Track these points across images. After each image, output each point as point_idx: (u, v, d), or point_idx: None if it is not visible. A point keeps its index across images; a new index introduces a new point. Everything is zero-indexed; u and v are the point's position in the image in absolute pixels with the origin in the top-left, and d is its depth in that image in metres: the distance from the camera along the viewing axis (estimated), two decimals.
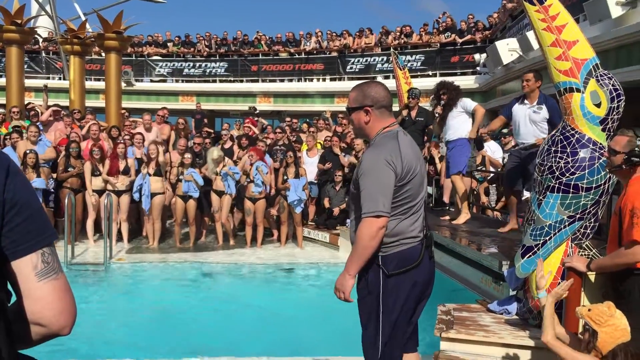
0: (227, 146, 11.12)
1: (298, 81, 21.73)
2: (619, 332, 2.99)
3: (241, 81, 22.17)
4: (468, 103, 7.49)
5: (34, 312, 1.21)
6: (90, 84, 18.34)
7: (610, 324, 2.99)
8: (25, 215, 1.20)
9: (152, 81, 22.93)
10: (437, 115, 7.87)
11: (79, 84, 14.51)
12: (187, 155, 9.77)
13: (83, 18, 21.25)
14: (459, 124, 7.46)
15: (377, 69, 20.37)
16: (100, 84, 15.91)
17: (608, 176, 4.28)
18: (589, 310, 3.10)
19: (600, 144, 4.32)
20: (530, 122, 6.38)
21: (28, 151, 9.18)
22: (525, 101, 6.44)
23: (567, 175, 4.31)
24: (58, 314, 1.22)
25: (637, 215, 3.25)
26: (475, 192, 9.81)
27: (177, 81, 22.81)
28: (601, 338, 2.99)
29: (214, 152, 9.87)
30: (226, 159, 10.04)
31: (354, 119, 3.15)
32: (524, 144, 6.48)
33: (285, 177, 9.84)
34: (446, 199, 9.58)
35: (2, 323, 1.14)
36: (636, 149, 3.35)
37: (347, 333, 6.17)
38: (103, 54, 15.43)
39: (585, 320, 3.09)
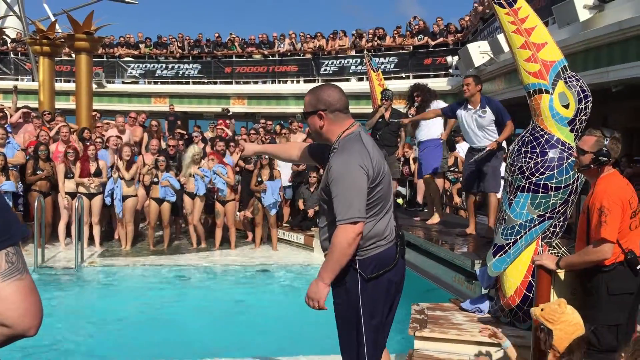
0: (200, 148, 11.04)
1: (272, 83, 21.69)
2: (572, 327, 3.05)
3: (215, 83, 22.04)
4: (441, 105, 7.58)
5: None
6: (60, 86, 18.04)
7: (563, 320, 3.06)
8: None
9: (123, 83, 22.65)
10: (410, 116, 7.95)
11: (49, 86, 14.28)
12: (162, 159, 9.67)
13: (52, 19, 20.89)
14: (431, 125, 7.56)
15: (351, 71, 20.45)
16: (71, 86, 15.70)
17: (576, 176, 4.37)
18: (542, 309, 3.16)
19: (569, 144, 4.41)
20: (478, 127, 6.45)
21: None
22: (469, 106, 6.47)
23: (537, 175, 4.40)
24: (23, 315, 1.20)
25: (604, 214, 3.32)
26: (448, 193, 9.92)
27: (149, 83, 22.57)
28: (556, 335, 3.05)
29: (194, 149, 9.82)
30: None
31: (309, 124, 3.10)
32: (476, 148, 6.55)
33: (260, 179, 9.82)
34: (420, 199, 9.67)
35: None
36: (603, 148, 3.43)
37: (322, 333, 6.21)
38: (73, 55, 15.21)
39: (539, 320, 3.16)
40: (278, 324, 6.47)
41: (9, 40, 23.03)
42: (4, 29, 15.75)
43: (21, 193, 9.42)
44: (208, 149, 10.78)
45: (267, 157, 10.03)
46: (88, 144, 10.08)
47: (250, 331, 6.20)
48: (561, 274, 3.53)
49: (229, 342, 5.77)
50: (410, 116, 7.99)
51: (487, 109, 6.33)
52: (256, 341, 5.82)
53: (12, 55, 22.77)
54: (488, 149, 6.29)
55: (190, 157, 9.67)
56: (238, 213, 10.47)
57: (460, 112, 6.60)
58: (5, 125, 10.43)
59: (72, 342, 5.71)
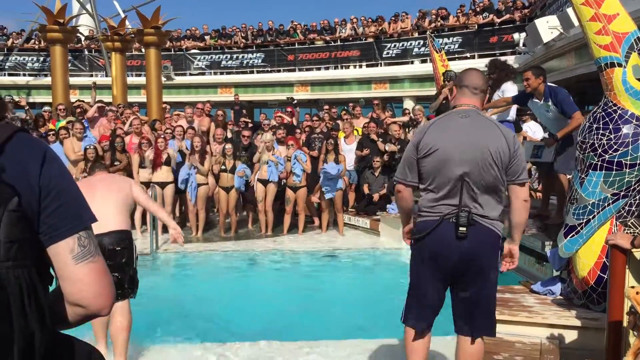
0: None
1: (335, 69, 21.70)
2: None
3: (278, 71, 22.28)
4: (512, 89, 7.26)
5: (73, 294, 1.26)
6: (131, 80, 18.73)
7: None
8: (61, 201, 1.25)
9: (191, 75, 23.24)
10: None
11: (121, 80, 14.87)
12: (229, 147, 9.93)
13: (122, 15, 21.72)
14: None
15: (413, 54, 20.16)
16: (141, 80, 16.25)
17: None
18: (638, 293, 3.01)
19: None
20: (549, 119, 6.22)
21: (88, 146, 9.53)
22: (534, 99, 6.19)
23: (610, 152, 4.23)
24: (97, 295, 1.27)
25: None
26: None
27: (215, 73, 23.06)
28: None
29: (267, 136, 10.04)
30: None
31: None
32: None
33: (325, 164, 9.90)
34: None
35: (35, 308, 1.18)
36: None
37: (388, 316, 6.23)
38: (143, 50, 15.74)
39: (631, 303, 3.02)
40: (345, 307, 6.54)
41: (82, 38, 24.07)
42: (77, 27, 16.46)
43: None
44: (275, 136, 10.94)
45: (332, 142, 10.09)
46: (158, 134, 10.47)
47: (318, 314, 6.30)
48: (637, 253, 3.40)
49: (297, 326, 5.88)
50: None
51: (550, 102, 5.99)
52: (324, 324, 5.91)
53: (86, 52, 23.81)
54: (544, 144, 6.10)
55: (263, 145, 9.90)
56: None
57: (531, 103, 6.35)
58: (83, 120, 10.97)
59: (145, 323, 5.98)
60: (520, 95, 6.58)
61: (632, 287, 3.13)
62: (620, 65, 4.22)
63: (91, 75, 22.82)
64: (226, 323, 5.96)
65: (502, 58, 16.82)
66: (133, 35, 14.93)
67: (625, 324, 3.26)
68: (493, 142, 3.14)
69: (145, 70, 14.39)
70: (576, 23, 11.46)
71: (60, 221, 1.25)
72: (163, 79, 17.18)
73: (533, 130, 10.19)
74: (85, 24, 24.58)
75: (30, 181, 1.21)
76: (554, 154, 6.27)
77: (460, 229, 3.13)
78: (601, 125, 4.31)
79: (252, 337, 5.29)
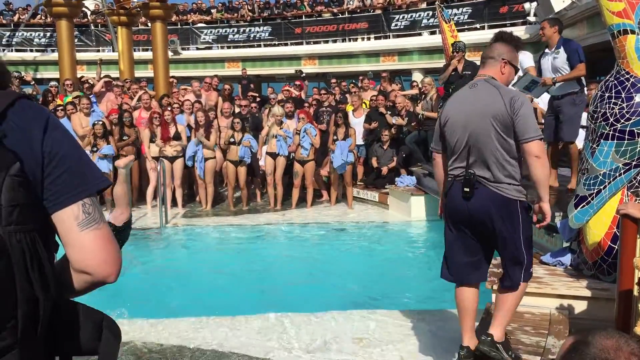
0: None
1: (342, 41, 21.48)
2: None
3: (285, 44, 22.10)
4: (525, 60, 7.17)
5: (79, 261, 1.25)
6: (138, 55, 18.66)
7: None
8: (64, 168, 1.23)
9: (198, 49, 23.11)
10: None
11: (128, 55, 14.82)
12: (237, 121, 9.91)
13: None
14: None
15: (422, 25, 19.91)
16: (148, 54, 16.19)
17: None
18: None
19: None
20: (553, 71, 6.25)
21: (96, 122, 9.59)
22: (546, 50, 6.32)
23: (622, 121, 4.17)
24: (102, 262, 1.26)
25: None
26: None
27: (222, 48, 22.91)
28: None
29: (278, 110, 10.01)
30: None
31: None
32: (554, 95, 6.39)
33: (335, 138, 9.86)
34: None
35: (39, 273, 1.17)
36: None
37: (396, 287, 6.26)
38: (149, 24, 15.65)
39: None
40: (354, 280, 6.57)
41: (89, 13, 23.93)
42: (83, 2, 16.35)
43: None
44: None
45: (341, 115, 10.04)
46: (166, 109, 10.45)
47: (326, 287, 6.33)
48: None
49: (306, 297, 5.92)
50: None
51: (561, 49, 6.13)
52: (333, 296, 5.94)
53: (92, 27, 23.69)
54: (540, 80, 6.12)
55: (273, 119, 9.87)
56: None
57: (542, 60, 6.44)
58: (90, 96, 10.97)
59: (156, 296, 6.05)
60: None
61: (624, 257, 3.10)
62: (633, 32, 4.12)
63: (98, 51, 22.74)
64: (236, 296, 6.01)
65: (513, 28, 16.60)
66: (139, 9, 14.83)
67: (635, 293, 3.24)
68: (492, 108, 3.31)
69: (152, 45, 14.32)
70: None
71: (64, 188, 1.23)
72: (170, 53, 17.10)
73: (545, 101, 10.06)
74: None
75: (33, 147, 1.20)
76: (560, 124, 6.28)
77: (464, 189, 3.39)
78: (613, 94, 4.23)
79: (261, 310, 5.33)
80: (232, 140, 9.83)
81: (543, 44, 15.99)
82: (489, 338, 3.52)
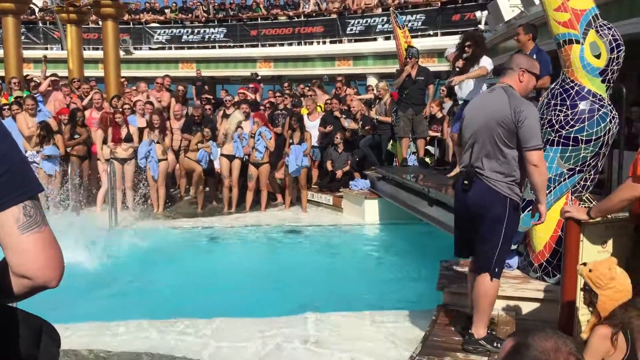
0: (229, 112, 11.07)
1: (298, 45, 21.49)
2: (619, 293, 2.91)
3: (241, 46, 21.94)
4: (487, 62, 7.23)
5: (18, 265, 1.21)
6: (88, 54, 18.19)
7: (611, 286, 2.93)
8: (5, 168, 1.20)
9: (150, 49, 22.70)
10: (457, 69, 7.55)
11: (77, 54, 14.41)
12: (207, 131, 9.86)
13: None
14: (477, 83, 7.27)
15: (377, 30, 20.09)
16: (99, 53, 15.81)
17: (608, 128, 4.28)
18: (590, 270, 3.04)
19: (600, 95, 4.31)
20: None
21: (39, 123, 9.31)
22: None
23: (567, 128, 4.31)
24: (43, 267, 1.21)
25: None
26: None
27: (176, 48, 22.58)
28: (601, 301, 2.93)
29: (239, 114, 9.93)
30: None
31: None
32: None
33: (291, 141, 9.84)
34: (450, 157, 9.55)
35: None
36: None
37: (348, 290, 6.29)
38: (100, 23, 15.29)
39: (586, 281, 3.06)
40: (307, 283, 6.57)
41: (37, 10, 23.20)
42: None
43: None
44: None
45: (296, 119, 10.03)
46: (117, 110, 10.24)
47: (279, 290, 6.31)
48: (591, 226, 3.48)
49: (259, 301, 5.89)
50: (457, 69, 7.60)
51: (534, 57, 6.14)
52: (286, 300, 5.93)
53: (40, 25, 22.97)
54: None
55: (235, 124, 9.78)
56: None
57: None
58: (36, 95, 10.63)
59: (102, 299, 5.91)
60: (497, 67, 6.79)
61: (584, 264, 3.15)
62: (578, 42, 4.27)
63: (46, 49, 22.04)
64: (186, 300, 5.93)
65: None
66: (90, 7, 14.46)
67: (577, 299, 3.33)
68: (499, 113, 3.59)
69: (102, 44, 13.98)
70: (537, 1, 11.58)
71: (4, 189, 1.19)
72: (121, 53, 16.74)
73: None
74: None
75: None
76: None
77: (464, 182, 3.74)
78: (559, 102, 4.38)
79: (212, 314, 5.26)
80: (199, 146, 9.78)
81: (493, 50, 16.32)
82: (471, 337, 3.83)
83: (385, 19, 19.61)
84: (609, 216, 3.65)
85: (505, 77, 3.79)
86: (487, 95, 3.88)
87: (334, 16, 20.88)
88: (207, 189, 10.75)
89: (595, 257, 3.48)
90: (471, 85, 7.28)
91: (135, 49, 22.25)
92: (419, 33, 18.46)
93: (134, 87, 12.82)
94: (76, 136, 9.77)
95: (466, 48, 7.22)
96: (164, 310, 5.48)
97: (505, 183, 3.66)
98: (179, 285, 6.43)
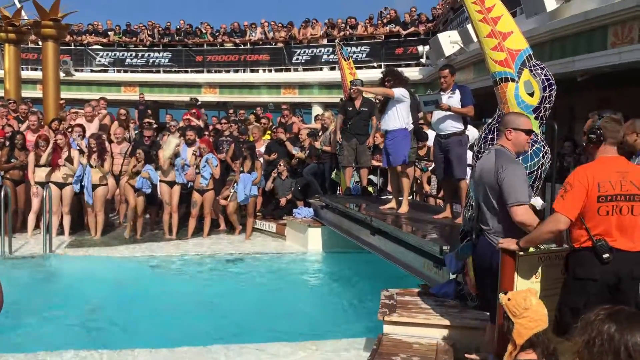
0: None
1: (244, 72, 21.54)
2: (534, 322, 3.04)
3: (186, 72, 21.79)
4: (396, 90, 7.54)
5: None
6: (26, 74, 17.68)
7: (525, 315, 3.05)
8: None
9: (92, 71, 22.25)
10: (378, 102, 7.99)
11: (15, 74, 14.00)
12: (139, 151, 9.65)
13: (18, 5, 20.37)
14: (399, 115, 7.50)
15: (322, 60, 20.42)
16: (38, 74, 15.39)
17: (541, 162, 4.48)
18: (509, 299, 3.16)
19: (534, 132, 4.51)
20: (444, 114, 6.74)
21: None
22: (442, 93, 6.79)
23: None
24: None
25: (564, 188, 3.40)
26: (418, 182, 10.02)
27: (119, 71, 22.21)
28: (516, 329, 3.06)
29: (176, 139, 9.79)
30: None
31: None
32: (442, 135, 6.83)
33: (242, 169, 9.80)
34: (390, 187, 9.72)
35: None
36: (595, 128, 3.49)
37: (292, 321, 6.26)
38: (40, 43, 14.91)
39: (504, 309, 3.19)
40: (247, 312, 6.48)
41: None
42: None
43: None
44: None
45: (248, 148, 10.02)
46: (57, 133, 9.96)
47: (220, 319, 6.21)
48: (524, 257, 3.62)
49: (198, 331, 5.77)
50: (377, 102, 8.05)
51: (457, 90, 6.69)
52: (222, 328, 5.84)
53: None
54: (438, 103, 6.66)
55: (172, 148, 9.64)
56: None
57: (425, 98, 7.17)
58: None
59: (37, 328, 5.67)
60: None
61: (505, 293, 3.29)
62: (513, 80, 4.49)
63: None
64: (124, 329, 5.76)
65: (407, 69, 17.46)
66: (29, 27, 14.09)
67: (504, 327, 3.43)
68: (488, 171, 3.77)
69: (42, 64, 13.61)
70: (475, 39, 12.09)
71: None
72: (62, 74, 16.33)
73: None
74: None
75: None
76: (450, 162, 6.69)
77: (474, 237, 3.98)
78: (495, 136, 4.56)
79: (152, 344, 5.13)
80: (134, 170, 9.53)
81: (434, 84, 16.81)
82: None
83: (330, 49, 19.94)
84: (542, 246, 3.83)
85: (499, 139, 3.99)
86: (485, 157, 4.07)
87: (280, 45, 21.09)
88: (148, 215, 10.54)
89: (528, 286, 3.62)
90: (395, 116, 7.54)
91: (76, 70, 21.76)
92: (363, 65, 18.85)
93: (74, 110, 12.51)
94: (13, 160, 9.42)
95: (386, 83, 7.61)
96: (100, 339, 5.30)
97: (493, 233, 3.80)
98: (114, 315, 6.23)
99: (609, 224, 3.36)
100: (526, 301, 3.09)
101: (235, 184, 9.80)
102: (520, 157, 4.43)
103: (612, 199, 3.34)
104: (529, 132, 3.90)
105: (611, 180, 3.36)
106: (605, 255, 3.33)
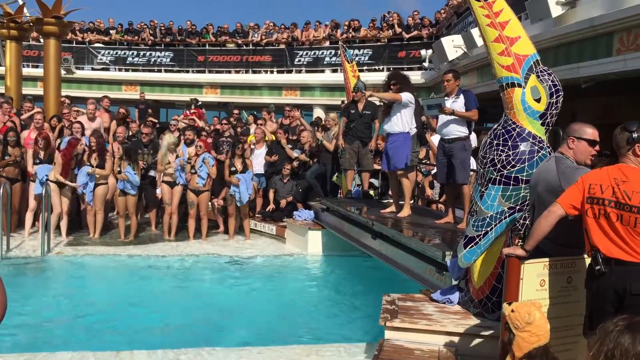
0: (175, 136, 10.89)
1: (246, 73, 21.50)
2: (535, 337, 3.01)
3: (187, 71, 21.75)
4: (403, 94, 7.51)
5: None
6: (27, 71, 17.63)
7: (527, 329, 3.02)
8: None
9: (93, 69, 22.22)
10: (382, 105, 7.94)
11: (16, 71, 13.95)
12: (117, 147, 9.57)
13: (20, 2, 20.38)
14: (401, 118, 7.48)
15: (325, 62, 20.38)
16: (39, 71, 15.35)
17: None
18: (512, 311, 3.12)
19: (540, 137, 4.47)
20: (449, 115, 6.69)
21: None
22: (446, 98, 6.77)
23: (508, 167, 4.44)
24: None
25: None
26: (420, 186, 9.97)
27: (120, 70, 22.18)
28: (516, 341, 3.03)
29: (171, 137, 9.72)
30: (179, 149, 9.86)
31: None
32: (446, 139, 6.76)
33: (234, 169, 9.72)
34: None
35: None
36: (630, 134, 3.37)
37: (292, 324, 6.21)
38: (42, 40, 14.87)
39: (507, 320, 3.15)
40: (245, 315, 6.43)
41: None
42: None
43: None
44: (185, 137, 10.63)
45: (240, 146, 9.96)
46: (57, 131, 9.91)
47: (220, 321, 6.16)
48: (529, 265, 3.57)
49: (198, 332, 5.73)
50: (382, 104, 8.01)
51: (461, 95, 6.65)
52: (225, 331, 5.79)
53: None
54: (441, 107, 6.61)
55: (166, 146, 9.57)
56: (209, 203, 10.35)
57: (428, 102, 7.07)
58: None
59: (35, 329, 5.62)
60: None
61: (509, 303, 3.25)
62: (520, 85, 4.44)
63: None
64: (122, 330, 5.70)
65: (410, 73, 17.42)
66: (31, 24, 14.05)
67: (505, 338, 3.38)
68: (549, 178, 3.80)
69: (43, 62, 13.56)
70: (479, 43, 12.03)
71: None
72: (63, 72, 16.29)
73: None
74: None
75: None
76: (453, 167, 6.64)
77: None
78: (501, 142, 4.52)
79: (151, 345, 5.08)
80: (119, 169, 9.41)
81: (436, 87, 16.74)
82: None
83: (333, 52, 19.92)
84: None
85: (561, 147, 3.93)
86: (544, 164, 4.05)
87: (282, 46, 21.06)
88: (148, 215, 10.47)
89: (534, 295, 3.57)
90: (397, 119, 7.51)
91: (77, 68, 21.72)
92: (365, 67, 18.81)
93: (75, 108, 12.45)
94: (7, 157, 9.35)
95: (391, 86, 7.59)
96: (98, 340, 5.25)
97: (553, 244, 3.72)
98: (113, 316, 6.18)
99: (601, 231, 3.27)
100: (530, 315, 3.04)
101: (234, 187, 9.68)
102: (526, 164, 4.39)
103: (597, 202, 3.28)
104: (593, 143, 3.79)
105: (602, 184, 3.29)
106: (597, 267, 3.24)
